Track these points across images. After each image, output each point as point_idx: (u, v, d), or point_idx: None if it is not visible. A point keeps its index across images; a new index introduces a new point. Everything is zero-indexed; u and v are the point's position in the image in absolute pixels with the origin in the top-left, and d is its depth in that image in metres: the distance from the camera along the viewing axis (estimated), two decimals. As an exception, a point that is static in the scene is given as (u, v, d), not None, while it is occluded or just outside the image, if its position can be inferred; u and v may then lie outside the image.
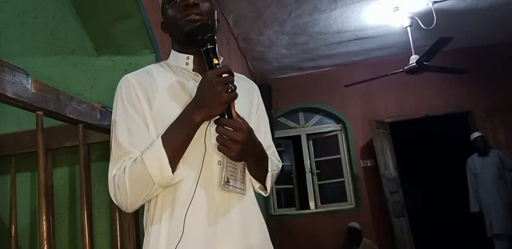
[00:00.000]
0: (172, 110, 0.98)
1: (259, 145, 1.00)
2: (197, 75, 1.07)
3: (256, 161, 1.02)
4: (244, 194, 1.01)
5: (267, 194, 1.10)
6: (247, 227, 1.00)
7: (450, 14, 4.30)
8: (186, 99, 1.00)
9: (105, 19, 1.80)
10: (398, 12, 4.17)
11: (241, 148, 0.92)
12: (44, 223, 1.16)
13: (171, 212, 0.95)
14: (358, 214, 5.31)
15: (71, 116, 1.32)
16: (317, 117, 5.94)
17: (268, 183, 1.07)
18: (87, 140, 1.58)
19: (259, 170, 1.05)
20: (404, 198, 5.22)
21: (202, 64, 1.03)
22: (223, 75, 0.92)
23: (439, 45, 3.82)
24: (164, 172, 0.91)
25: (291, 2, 3.87)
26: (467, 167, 4.77)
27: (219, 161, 0.98)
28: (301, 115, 5.96)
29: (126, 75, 1.07)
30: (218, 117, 0.94)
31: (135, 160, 0.93)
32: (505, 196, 4.48)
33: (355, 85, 4.75)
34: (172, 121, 0.96)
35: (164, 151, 0.91)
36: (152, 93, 1.01)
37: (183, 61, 1.09)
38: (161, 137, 0.93)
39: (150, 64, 1.12)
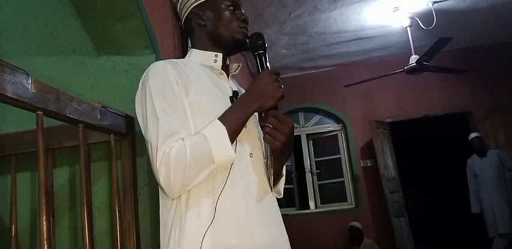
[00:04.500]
0: (208, 101, 1.04)
1: (292, 143, 1.07)
2: (222, 73, 1.16)
3: (284, 161, 1.10)
4: (271, 190, 1.10)
5: (281, 196, 1.18)
6: (277, 219, 1.09)
7: (450, 14, 4.30)
8: (218, 93, 1.08)
9: (105, 19, 1.80)
10: (398, 13, 4.17)
11: (285, 140, 1.00)
12: (44, 223, 1.16)
13: (212, 197, 0.97)
14: (358, 214, 5.31)
15: (71, 116, 1.32)
16: (317, 117, 5.94)
17: (282, 186, 1.16)
18: (87, 140, 1.58)
19: (279, 171, 1.12)
20: (404, 198, 5.22)
21: (226, 64, 1.18)
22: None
23: (439, 45, 3.82)
24: (226, 151, 0.94)
25: (291, 2, 3.87)
26: (467, 167, 4.77)
27: (251, 153, 1.07)
28: (301, 115, 5.96)
29: (159, 62, 1.09)
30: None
31: (194, 138, 0.95)
32: (506, 195, 4.48)
33: (355, 85, 4.75)
34: (209, 112, 1.01)
35: (226, 131, 0.96)
36: (188, 82, 1.04)
37: (210, 58, 1.15)
38: (219, 120, 0.98)
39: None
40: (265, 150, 1.09)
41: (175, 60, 1.13)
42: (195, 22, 1.17)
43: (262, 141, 1.09)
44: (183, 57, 1.26)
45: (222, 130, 0.95)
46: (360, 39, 4.83)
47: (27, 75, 1.14)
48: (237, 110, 1.01)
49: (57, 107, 1.25)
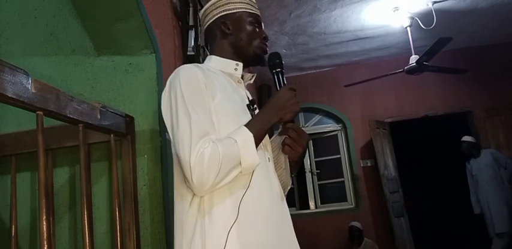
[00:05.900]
0: (231, 107, 1.11)
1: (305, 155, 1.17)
2: (241, 82, 1.24)
3: (294, 170, 1.20)
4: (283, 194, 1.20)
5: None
6: (290, 218, 1.17)
7: (450, 14, 4.30)
8: (238, 100, 1.16)
9: (105, 19, 1.80)
10: (398, 12, 4.17)
11: (303, 151, 1.12)
12: (44, 223, 1.16)
13: (235, 198, 1.02)
14: (358, 214, 5.31)
15: (71, 116, 1.33)
16: (317, 117, 5.94)
17: (285, 193, 1.24)
18: (87, 140, 1.58)
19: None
20: (404, 198, 5.21)
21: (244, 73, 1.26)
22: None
23: (439, 45, 3.82)
24: (253, 156, 1.01)
25: (291, 2, 3.87)
26: (467, 169, 4.77)
27: (268, 158, 1.15)
28: (301, 115, 5.96)
29: (187, 65, 1.13)
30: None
31: (225, 141, 1.00)
32: (503, 194, 4.47)
33: (355, 85, 4.75)
34: (232, 118, 1.08)
35: (253, 137, 1.03)
36: (214, 87, 1.10)
37: (231, 66, 1.23)
38: (246, 126, 1.05)
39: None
40: (276, 159, 1.18)
41: (199, 64, 1.18)
42: (220, 29, 1.24)
43: (271, 149, 1.19)
44: (183, 57, 1.27)
45: (249, 137, 1.02)
46: (360, 39, 4.83)
47: (27, 75, 1.14)
48: (261, 120, 1.08)
49: (57, 107, 1.25)
